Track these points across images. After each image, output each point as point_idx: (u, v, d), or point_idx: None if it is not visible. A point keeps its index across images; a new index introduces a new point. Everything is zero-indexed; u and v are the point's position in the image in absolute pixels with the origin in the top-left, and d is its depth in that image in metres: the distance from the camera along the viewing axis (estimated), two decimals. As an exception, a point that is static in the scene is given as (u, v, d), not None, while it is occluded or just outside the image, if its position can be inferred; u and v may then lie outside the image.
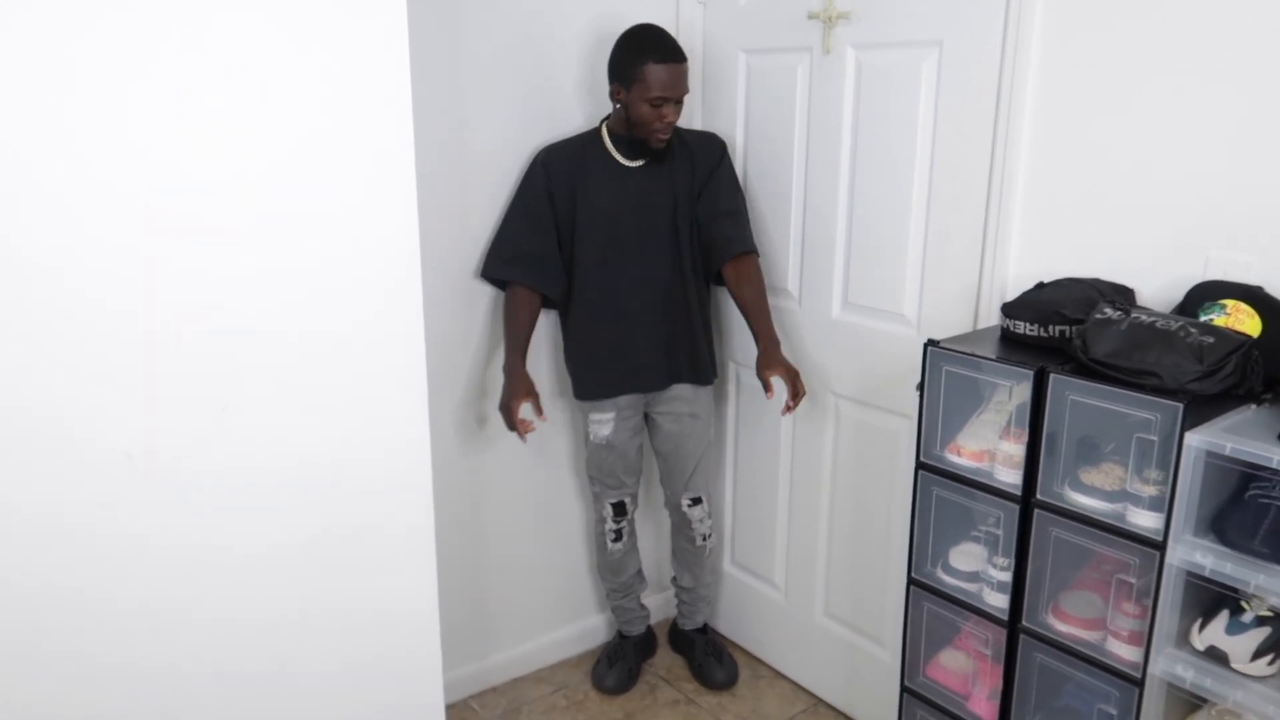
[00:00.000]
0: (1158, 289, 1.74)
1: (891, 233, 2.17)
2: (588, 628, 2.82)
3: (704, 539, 2.59)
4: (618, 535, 2.55)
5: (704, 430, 2.52)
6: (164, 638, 1.34)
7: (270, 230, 1.31)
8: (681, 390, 2.46)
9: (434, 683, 1.63)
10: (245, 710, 1.43)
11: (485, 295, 2.40)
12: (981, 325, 2.01)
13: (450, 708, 2.55)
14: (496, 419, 2.49)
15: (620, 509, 2.53)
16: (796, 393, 2.28)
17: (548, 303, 2.40)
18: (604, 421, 2.43)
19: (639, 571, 2.67)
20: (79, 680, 1.29)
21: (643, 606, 2.73)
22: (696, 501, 2.55)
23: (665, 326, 2.40)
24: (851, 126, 2.21)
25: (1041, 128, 1.87)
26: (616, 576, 2.62)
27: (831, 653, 2.54)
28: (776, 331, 2.35)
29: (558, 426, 2.62)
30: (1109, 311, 1.56)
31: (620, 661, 2.66)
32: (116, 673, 1.32)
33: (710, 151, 2.39)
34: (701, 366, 2.46)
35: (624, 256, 2.34)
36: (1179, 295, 1.69)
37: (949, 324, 2.06)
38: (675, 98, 2.21)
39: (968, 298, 2.04)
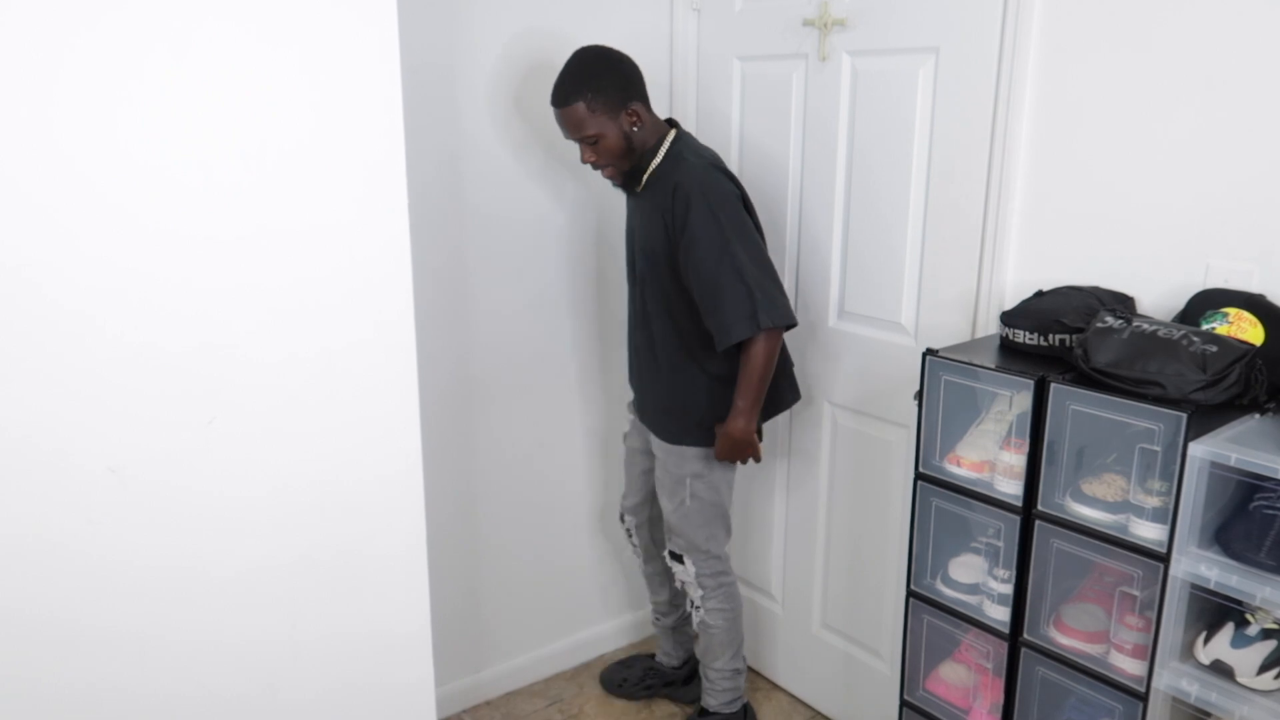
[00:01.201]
0: (1158, 297, 1.73)
1: (888, 241, 2.15)
2: (583, 640, 2.78)
3: (693, 606, 2.34)
4: (634, 547, 2.53)
5: (674, 487, 2.23)
6: (149, 659, 1.31)
7: (260, 242, 1.28)
8: (655, 439, 2.29)
9: (427, 701, 1.60)
10: (234, 730, 1.41)
11: (478, 305, 2.38)
12: (979, 334, 2.00)
13: (444, 722, 2.53)
14: (489, 429, 2.46)
15: (623, 518, 2.51)
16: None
17: None
18: (628, 419, 2.44)
19: (670, 602, 2.55)
20: (59, 703, 1.26)
21: (677, 646, 2.60)
22: (675, 557, 2.31)
23: (635, 365, 2.30)
24: (848, 134, 2.19)
25: (1040, 134, 1.85)
26: (649, 592, 2.59)
27: (829, 664, 2.51)
28: (742, 401, 2.09)
29: (557, 438, 2.59)
30: (1110, 320, 1.54)
31: (638, 674, 2.64)
32: (99, 696, 1.28)
33: (670, 199, 2.02)
34: (663, 425, 2.23)
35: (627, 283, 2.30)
36: (1179, 304, 1.67)
37: (946, 333, 2.05)
38: (577, 139, 2.06)
39: (965, 306, 2.02)
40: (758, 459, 2.19)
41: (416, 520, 1.50)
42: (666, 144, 2.09)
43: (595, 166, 2.10)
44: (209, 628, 1.35)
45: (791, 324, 2.05)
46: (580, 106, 2.00)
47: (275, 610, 1.39)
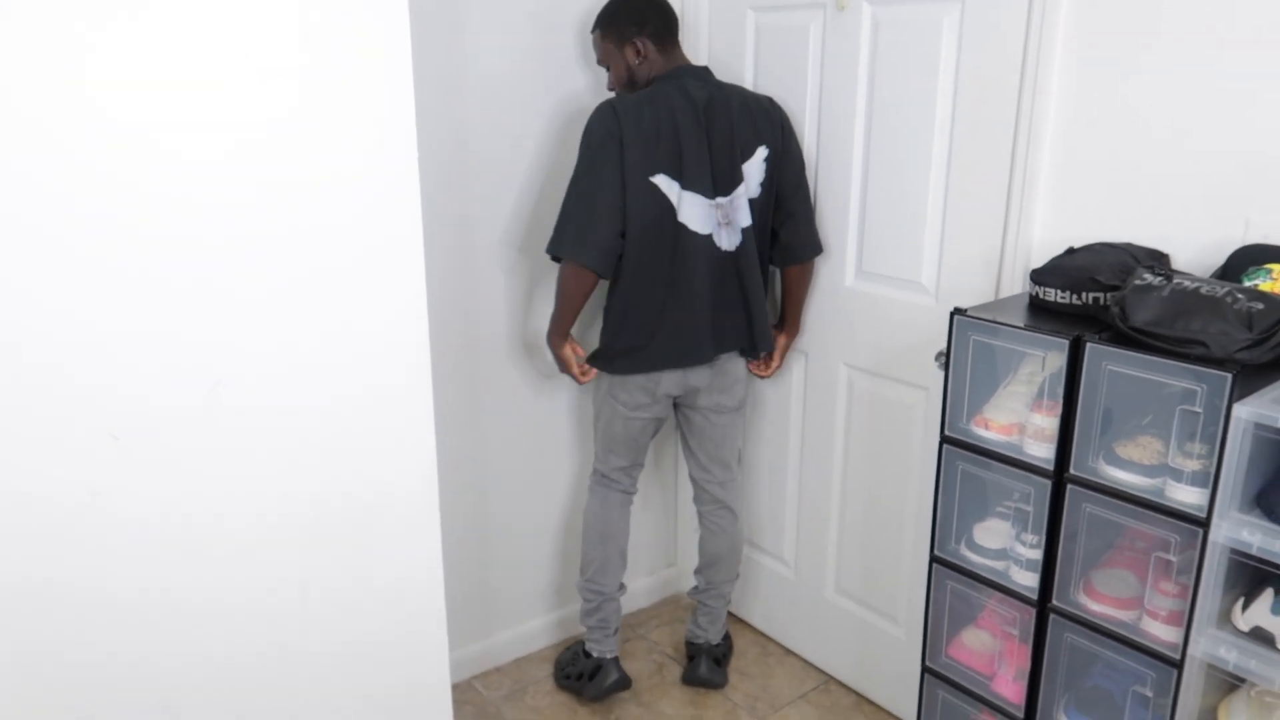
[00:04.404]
0: (1194, 254, 1.67)
1: (909, 197, 2.08)
2: (592, 606, 2.75)
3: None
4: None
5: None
6: (157, 627, 1.27)
7: (265, 196, 1.21)
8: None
9: (440, 663, 1.56)
10: (246, 696, 1.36)
11: (489, 263, 2.31)
12: (1003, 294, 1.94)
13: (454, 688, 2.48)
14: (499, 389, 2.41)
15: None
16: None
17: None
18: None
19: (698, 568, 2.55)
20: (66, 674, 1.21)
21: (696, 621, 2.55)
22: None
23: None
24: (867, 86, 2.12)
25: (1071, 84, 1.78)
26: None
27: (843, 630, 2.48)
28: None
29: (569, 401, 2.54)
30: (1149, 277, 1.49)
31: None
32: (106, 665, 1.24)
33: None
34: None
35: None
36: (1217, 260, 1.61)
37: (969, 292, 1.99)
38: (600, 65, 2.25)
39: (989, 265, 1.96)
40: None
41: (428, 479, 1.45)
42: (653, 84, 2.15)
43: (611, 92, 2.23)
44: (216, 593, 1.30)
45: (581, 261, 2.08)
46: (596, 34, 2.20)
47: (285, 572, 1.35)
